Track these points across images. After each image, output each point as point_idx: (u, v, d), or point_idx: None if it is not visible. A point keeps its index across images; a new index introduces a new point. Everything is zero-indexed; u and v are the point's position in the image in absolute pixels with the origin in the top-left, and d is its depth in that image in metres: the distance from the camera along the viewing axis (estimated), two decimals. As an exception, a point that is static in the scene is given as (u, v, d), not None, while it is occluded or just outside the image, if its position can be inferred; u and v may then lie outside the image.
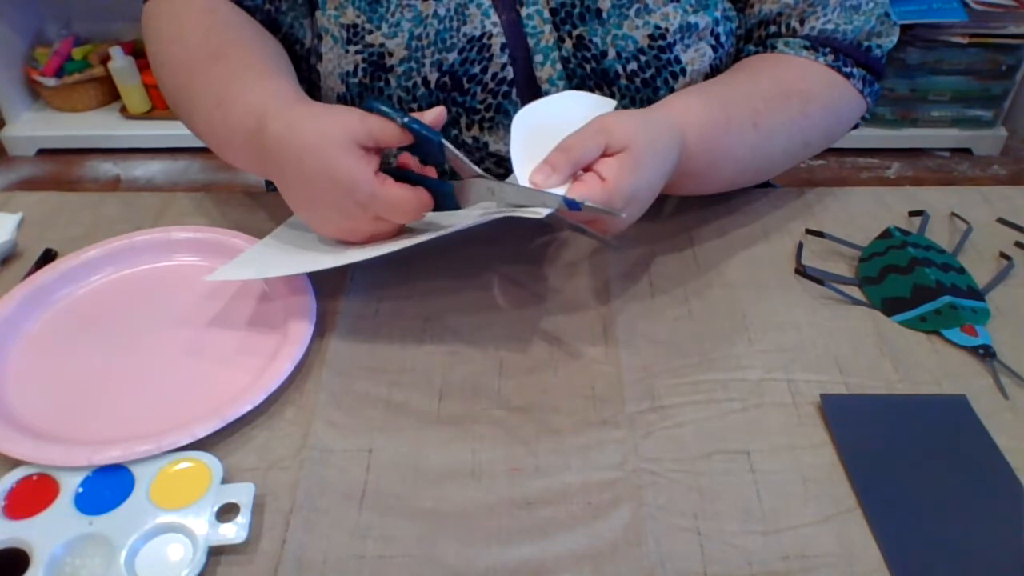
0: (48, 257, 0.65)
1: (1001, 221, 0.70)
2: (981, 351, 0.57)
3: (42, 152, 2.14)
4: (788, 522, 0.46)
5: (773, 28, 0.68)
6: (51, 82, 2.07)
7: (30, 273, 0.62)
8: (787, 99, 0.64)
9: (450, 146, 0.53)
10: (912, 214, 0.71)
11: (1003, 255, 0.66)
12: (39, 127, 2.14)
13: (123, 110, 2.13)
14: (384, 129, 0.52)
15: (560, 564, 0.44)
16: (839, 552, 0.45)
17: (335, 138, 0.52)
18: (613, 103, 0.62)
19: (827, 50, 0.66)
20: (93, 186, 2.03)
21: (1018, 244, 0.67)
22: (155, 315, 0.60)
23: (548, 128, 0.54)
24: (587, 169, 0.53)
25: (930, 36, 1.88)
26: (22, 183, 2.04)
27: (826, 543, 0.45)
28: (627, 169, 0.52)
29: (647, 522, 0.46)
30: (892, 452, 0.50)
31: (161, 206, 0.71)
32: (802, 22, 0.67)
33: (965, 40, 1.89)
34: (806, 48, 0.66)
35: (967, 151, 2.11)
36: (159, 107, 2.13)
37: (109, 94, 2.16)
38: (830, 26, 0.66)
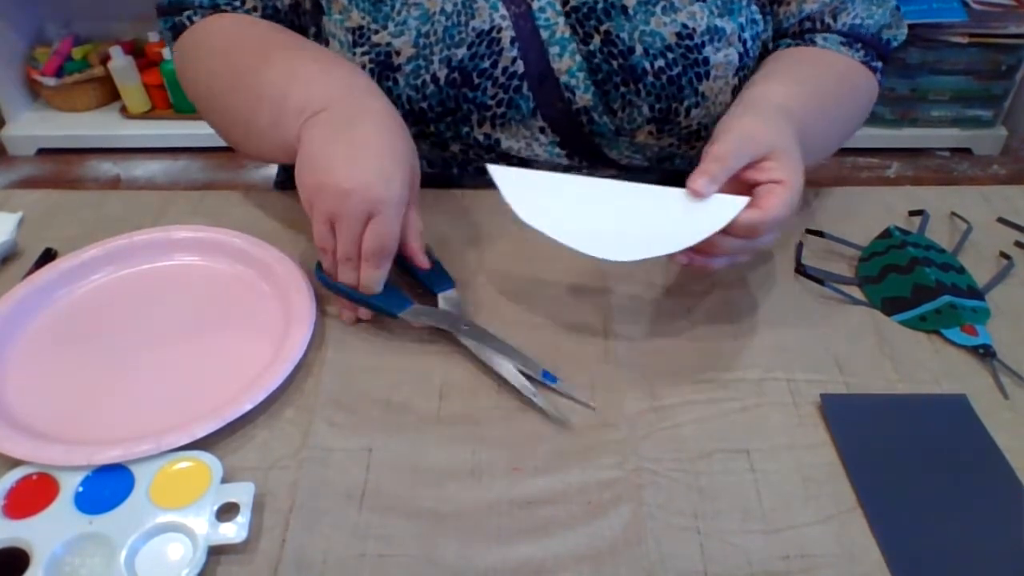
0: (48, 257, 0.65)
1: (1001, 221, 0.70)
2: (981, 351, 0.57)
3: (42, 152, 2.13)
4: (788, 522, 0.46)
5: (809, 24, 0.72)
6: (51, 82, 2.06)
7: (30, 273, 0.62)
8: (841, 92, 0.69)
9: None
10: (912, 214, 0.71)
11: (1003, 255, 0.66)
12: (39, 127, 2.13)
13: (123, 110, 2.13)
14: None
15: (560, 564, 0.44)
16: (839, 552, 0.45)
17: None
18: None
19: (859, 45, 0.71)
20: (93, 186, 2.03)
21: (1018, 244, 0.67)
22: (155, 315, 0.60)
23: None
24: (742, 179, 0.54)
25: (930, 36, 1.88)
26: (22, 183, 2.04)
27: (826, 543, 0.45)
28: (792, 172, 0.54)
29: (647, 522, 0.46)
30: (892, 452, 0.50)
31: (161, 206, 0.71)
32: (835, 18, 0.70)
33: (965, 40, 1.89)
34: (842, 44, 0.70)
35: (967, 151, 2.11)
36: (159, 107, 2.13)
37: (109, 94, 2.16)
38: (857, 20, 0.70)
